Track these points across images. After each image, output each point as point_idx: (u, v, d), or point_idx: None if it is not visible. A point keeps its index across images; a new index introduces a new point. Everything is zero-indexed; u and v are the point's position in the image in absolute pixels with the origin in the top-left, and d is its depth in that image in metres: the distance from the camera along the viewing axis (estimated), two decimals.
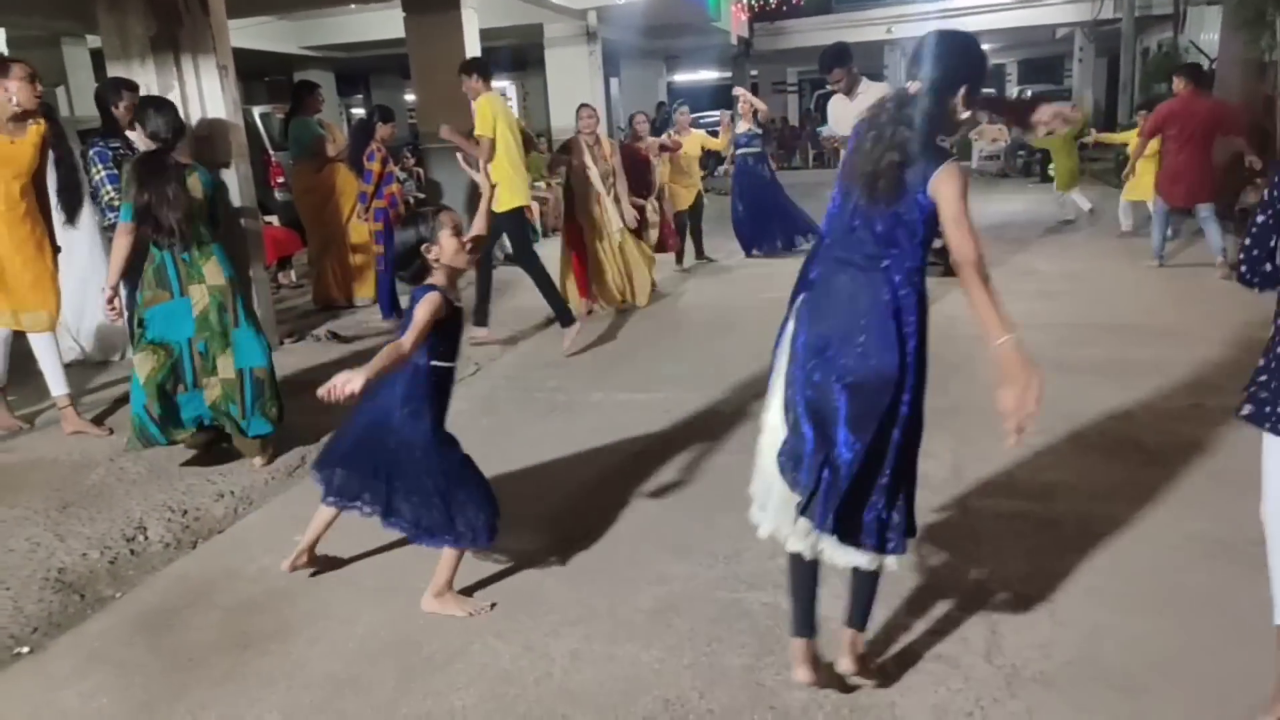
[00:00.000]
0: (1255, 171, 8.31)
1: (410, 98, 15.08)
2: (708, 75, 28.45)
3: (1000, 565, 3.17)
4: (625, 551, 3.41)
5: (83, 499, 4.01)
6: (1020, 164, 17.23)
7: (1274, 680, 2.34)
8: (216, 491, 4.06)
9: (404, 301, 7.39)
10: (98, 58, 6.48)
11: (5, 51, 12.57)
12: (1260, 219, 2.34)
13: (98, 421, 4.97)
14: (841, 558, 2.39)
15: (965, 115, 2.34)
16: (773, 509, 2.47)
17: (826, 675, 2.57)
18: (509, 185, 6.32)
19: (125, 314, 4.83)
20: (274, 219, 9.71)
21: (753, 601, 3.03)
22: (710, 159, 21.98)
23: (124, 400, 5.38)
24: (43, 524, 3.77)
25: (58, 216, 4.78)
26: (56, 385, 4.78)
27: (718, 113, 26.97)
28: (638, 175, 8.02)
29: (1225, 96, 10.88)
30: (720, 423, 4.74)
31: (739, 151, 9.81)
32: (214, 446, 4.40)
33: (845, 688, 2.58)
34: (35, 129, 4.54)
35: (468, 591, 3.16)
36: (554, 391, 5.44)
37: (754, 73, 23.88)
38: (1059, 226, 10.82)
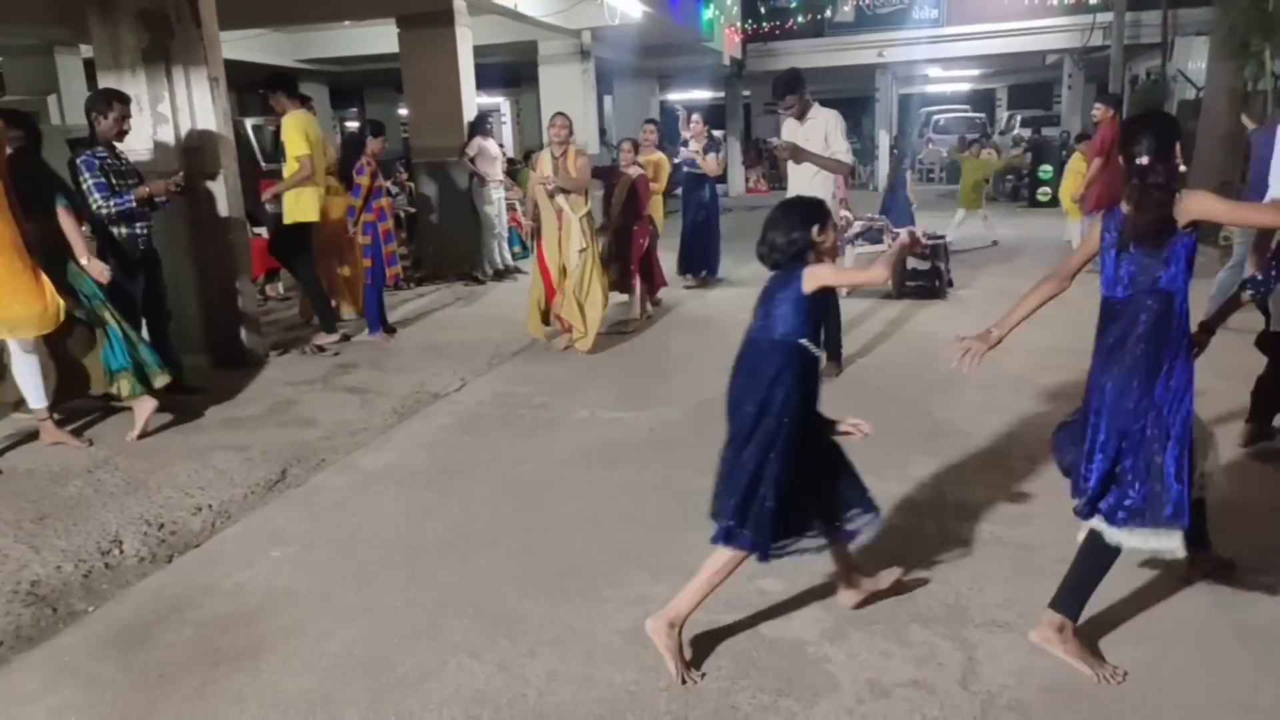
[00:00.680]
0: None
1: (404, 112, 15.09)
2: (701, 95, 28.58)
3: (978, 590, 3.16)
4: (605, 571, 3.40)
5: (59, 511, 3.98)
6: (1009, 188, 17.36)
7: None
8: (194, 505, 4.03)
9: (391, 316, 7.41)
10: (91, 67, 6.48)
11: None
12: None
13: (77, 433, 4.93)
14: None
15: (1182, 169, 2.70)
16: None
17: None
18: (305, 200, 6.55)
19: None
20: (263, 231, 9.69)
21: (731, 624, 3.01)
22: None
23: (104, 412, 5.37)
24: (16, 536, 3.73)
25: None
26: (35, 398, 4.74)
27: (713, 133, 27.21)
28: (632, 201, 7.53)
29: (1212, 125, 11.02)
30: (704, 443, 4.72)
31: (685, 169, 9.39)
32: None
33: None
34: None
35: (449, 606, 3.14)
36: (539, 408, 5.43)
37: (746, 93, 24.03)
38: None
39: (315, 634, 3.04)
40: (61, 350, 4.84)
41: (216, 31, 6.23)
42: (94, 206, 5.09)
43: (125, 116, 5.29)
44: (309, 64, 16.78)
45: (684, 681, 2.69)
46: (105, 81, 6.07)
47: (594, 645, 2.92)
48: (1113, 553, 2.70)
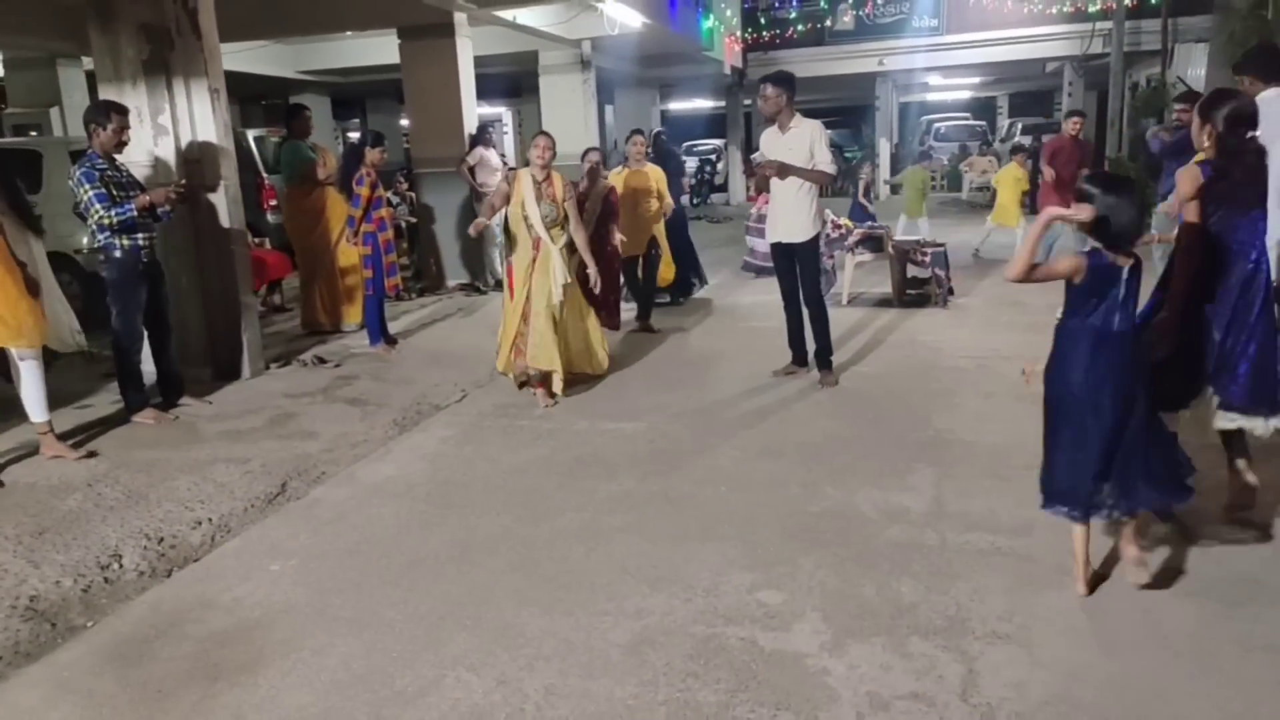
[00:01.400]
0: None
1: (405, 122, 15.12)
2: (702, 104, 28.65)
3: (979, 601, 3.15)
4: (603, 584, 3.39)
5: (59, 525, 3.97)
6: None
7: None
8: (194, 519, 4.03)
9: (392, 327, 7.41)
10: (93, 79, 6.50)
11: (1, 72, 12.64)
12: None
13: (79, 446, 4.94)
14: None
15: None
16: None
17: None
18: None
19: None
20: (265, 241, 9.72)
21: (730, 636, 3.00)
22: (705, 186, 22.22)
23: (107, 424, 5.37)
24: (16, 550, 3.72)
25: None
26: (37, 411, 4.74)
27: (713, 142, 27.27)
28: (605, 221, 7.01)
29: None
30: (704, 454, 4.73)
31: None
32: None
33: None
34: None
35: (447, 620, 3.13)
36: (540, 420, 5.43)
37: (747, 102, 23.99)
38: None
39: (313, 648, 3.03)
40: None
41: (217, 43, 6.25)
42: (95, 218, 5.09)
43: (124, 128, 5.29)
44: (311, 75, 16.83)
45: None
46: (106, 93, 6.09)
47: (592, 658, 2.92)
48: None
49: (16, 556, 3.67)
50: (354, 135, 24.26)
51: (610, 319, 7.33)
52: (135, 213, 5.16)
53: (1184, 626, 2.95)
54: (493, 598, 3.31)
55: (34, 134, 12.25)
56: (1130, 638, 2.90)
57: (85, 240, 5.35)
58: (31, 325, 4.61)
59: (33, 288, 4.74)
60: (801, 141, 5.63)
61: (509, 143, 25.27)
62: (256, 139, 11.24)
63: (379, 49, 12.95)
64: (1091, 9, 18.54)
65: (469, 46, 10.80)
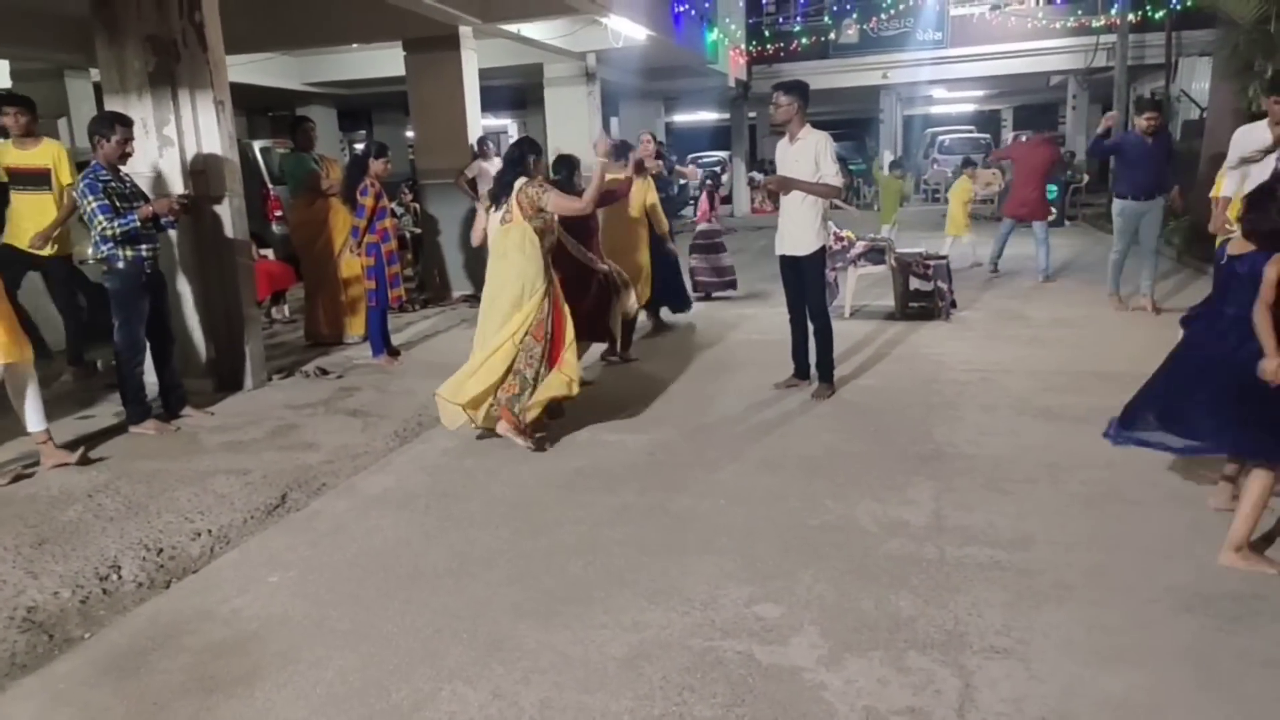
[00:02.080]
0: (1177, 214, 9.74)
1: (411, 134, 15.21)
2: (706, 116, 28.76)
3: (977, 615, 3.14)
4: (601, 596, 3.38)
5: (58, 535, 3.98)
6: None
7: None
8: (193, 530, 4.03)
9: (395, 339, 7.42)
10: (100, 90, 6.54)
11: (9, 83, 12.73)
12: None
13: (84, 454, 4.95)
14: None
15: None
16: None
17: None
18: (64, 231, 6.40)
19: None
20: (270, 253, 9.76)
21: (727, 650, 2.99)
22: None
23: (108, 434, 5.39)
24: (15, 561, 3.73)
25: None
26: (34, 421, 4.75)
27: (718, 154, 27.35)
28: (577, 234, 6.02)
29: (1215, 144, 11.01)
30: (703, 466, 4.73)
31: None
32: None
33: None
34: None
35: (444, 632, 3.13)
36: (540, 432, 5.42)
37: (752, 114, 24.13)
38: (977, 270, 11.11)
39: (310, 661, 3.03)
40: None
41: (223, 56, 6.28)
42: (98, 228, 5.11)
43: (128, 139, 5.31)
44: (317, 87, 16.94)
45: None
46: (112, 105, 6.13)
47: (589, 672, 2.91)
48: None
49: (15, 567, 3.68)
50: (360, 146, 24.38)
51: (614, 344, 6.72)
52: (138, 223, 5.18)
53: (1183, 641, 2.94)
54: (490, 610, 3.31)
55: None
56: (1129, 654, 2.88)
57: (90, 251, 5.35)
58: (8, 340, 4.57)
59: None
60: (806, 153, 5.60)
61: None
62: (263, 150, 11.30)
63: (385, 61, 13.02)
64: (1095, 24, 18.60)
65: (474, 59, 10.86)
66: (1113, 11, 17.43)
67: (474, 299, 9.95)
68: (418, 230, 11.10)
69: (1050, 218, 10.34)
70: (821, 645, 3.01)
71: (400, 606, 3.36)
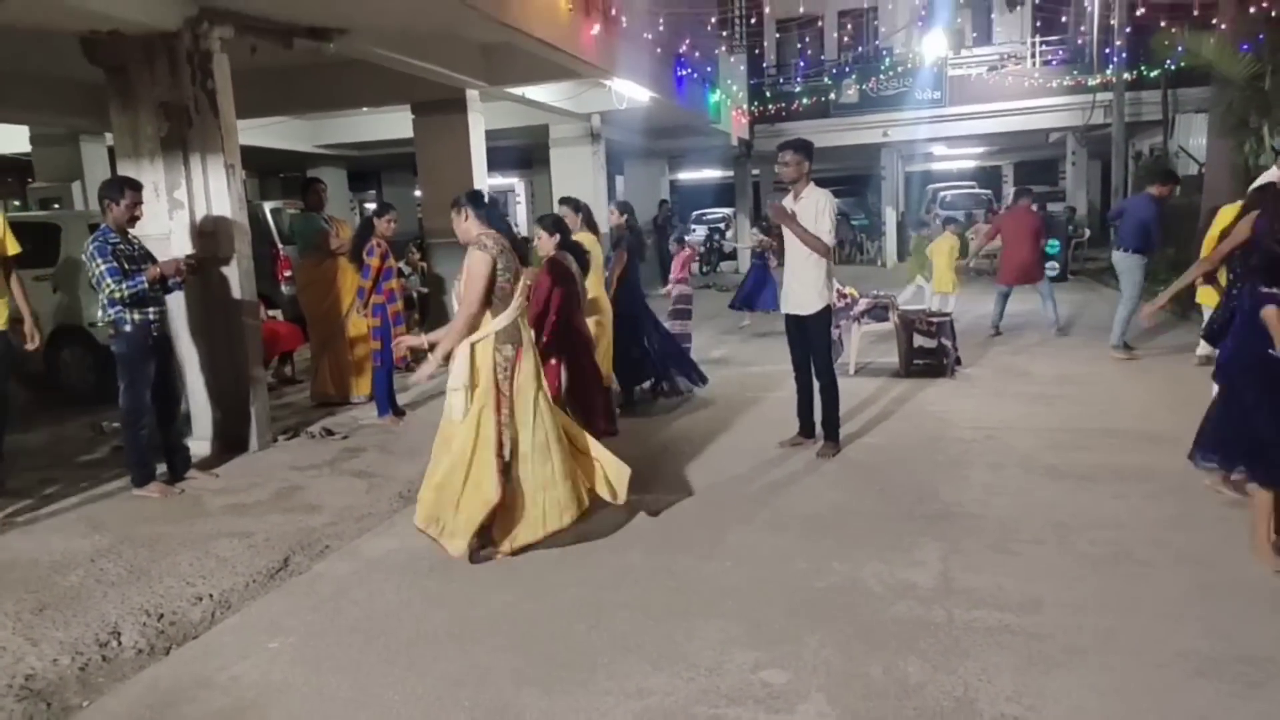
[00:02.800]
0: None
1: (419, 193, 15.43)
2: (710, 174, 29.13)
3: (987, 681, 3.09)
4: (604, 662, 3.34)
5: (59, 601, 3.96)
6: None
7: None
8: (195, 595, 4.00)
9: (401, 399, 7.43)
10: (114, 154, 6.66)
11: (28, 148, 13.01)
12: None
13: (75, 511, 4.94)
14: None
15: None
16: None
17: None
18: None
19: None
20: (278, 313, 9.83)
21: (732, 718, 2.94)
22: (714, 255, 22.46)
23: (112, 496, 5.37)
24: (14, 627, 3.70)
25: None
26: None
27: (722, 210, 27.66)
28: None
29: (1213, 199, 11.11)
30: (709, 528, 4.70)
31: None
32: None
33: None
34: None
35: (446, 700, 3.08)
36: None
37: (755, 172, 24.42)
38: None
39: None
40: None
41: (234, 121, 6.42)
42: (107, 291, 5.16)
43: (137, 203, 5.39)
44: (327, 149, 17.24)
45: None
46: (125, 169, 6.25)
47: None
48: None
49: (15, 634, 3.65)
50: (370, 206, 24.74)
51: (606, 425, 6.18)
52: (146, 285, 5.23)
53: (1197, 708, 2.88)
54: (492, 677, 3.27)
55: (56, 207, 12.52)
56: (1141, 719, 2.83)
57: (99, 314, 5.40)
58: None
59: None
60: (808, 210, 5.65)
61: (521, 213, 25.68)
62: (273, 211, 11.47)
63: (393, 124, 13.28)
64: (1091, 82, 18.90)
65: (481, 121, 11.08)
66: (1109, 71, 17.72)
67: None
68: (425, 290, 11.20)
69: (1052, 274, 10.63)
70: (829, 713, 2.96)
71: (401, 673, 3.32)
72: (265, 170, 20.92)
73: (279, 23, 6.77)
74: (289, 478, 5.76)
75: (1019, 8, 23.28)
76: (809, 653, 3.34)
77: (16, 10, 5.19)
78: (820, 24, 26.07)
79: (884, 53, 22.41)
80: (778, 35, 26.27)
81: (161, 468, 5.60)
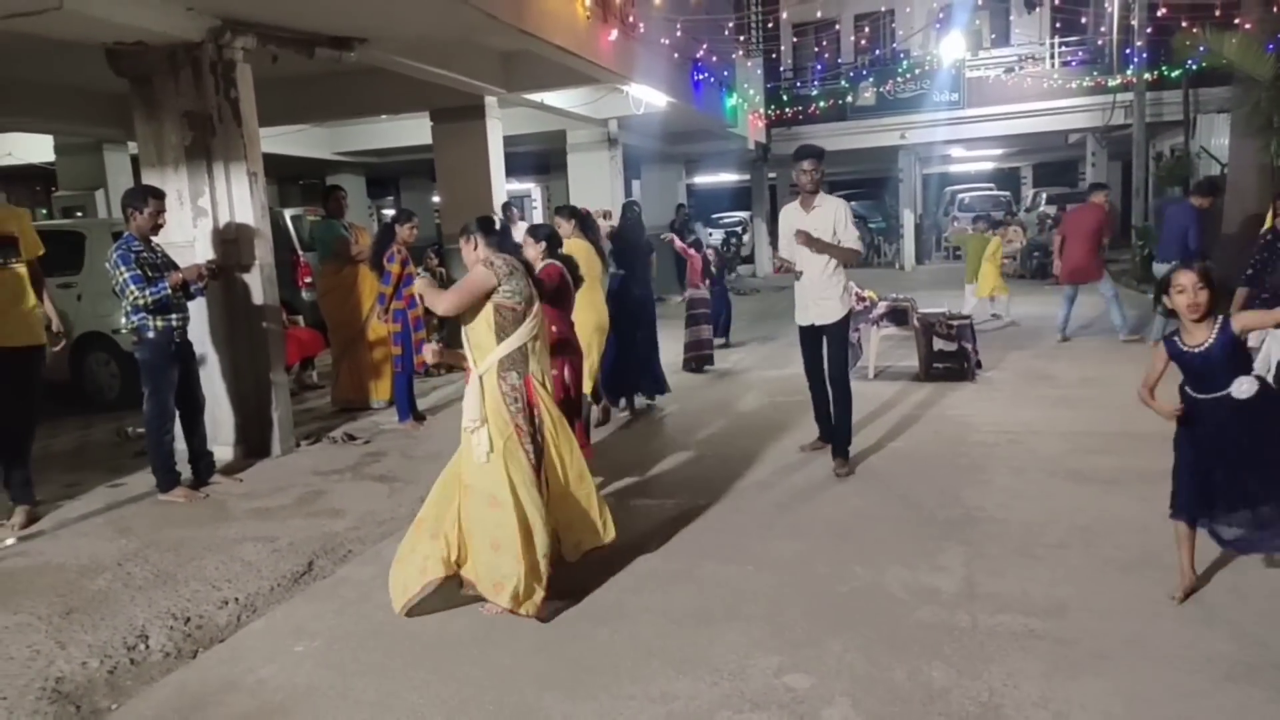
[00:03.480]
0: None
1: (437, 199, 15.52)
2: (728, 177, 29.10)
3: (1013, 687, 3.07)
4: (628, 666, 3.34)
5: (87, 605, 4.00)
6: (1035, 265, 17.33)
7: None
8: (221, 598, 4.04)
9: (421, 403, 7.47)
10: (137, 163, 6.74)
11: (52, 157, 13.18)
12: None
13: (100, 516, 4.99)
14: None
15: None
16: None
17: None
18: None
19: None
20: (300, 319, 9.90)
21: None
22: (732, 258, 22.43)
23: (138, 502, 5.43)
24: (45, 630, 3.75)
25: None
26: None
27: (739, 214, 27.63)
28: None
29: (1239, 201, 11.00)
30: (728, 532, 4.69)
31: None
32: None
33: None
34: None
35: (470, 703, 3.10)
36: None
37: (772, 175, 24.38)
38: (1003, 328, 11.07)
39: None
40: None
41: (256, 129, 6.48)
42: (130, 299, 5.21)
43: (160, 211, 5.43)
44: (347, 156, 17.36)
45: None
46: (149, 177, 6.32)
47: None
48: None
49: (46, 637, 3.70)
50: (388, 212, 24.88)
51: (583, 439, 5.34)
52: (169, 291, 5.28)
53: (1228, 714, 2.85)
54: (515, 680, 3.27)
55: (79, 215, 12.67)
56: None
57: (123, 321, 5.45)
58: None
59: None
60: (825, 220, 5.51)
61: (539, 218, 25.75)
62: (294, 218, 11.55)
63: (412, 130, 13.36)
64: (1111, 83, 18.76)
65: (499, 127, 11.13)
66: (1129, 71, 17.59)
67: None
68: None
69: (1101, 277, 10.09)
70: (854, 718, 2.95)
71: (425, 676, 3.34)
72: (285, 177, 21.07)
73: (301, 32, 6.82)
74: (311, 482, 5.80)
75: (1038, 9, 23.14)
76: (832, 657, 3.33)
77: (42, 22, 5.25)
78: (837, 27, 26.01)
79: (901, 55, 22.34)
80: (795, 39, 26.25)
81: (186, 472, 5.65)
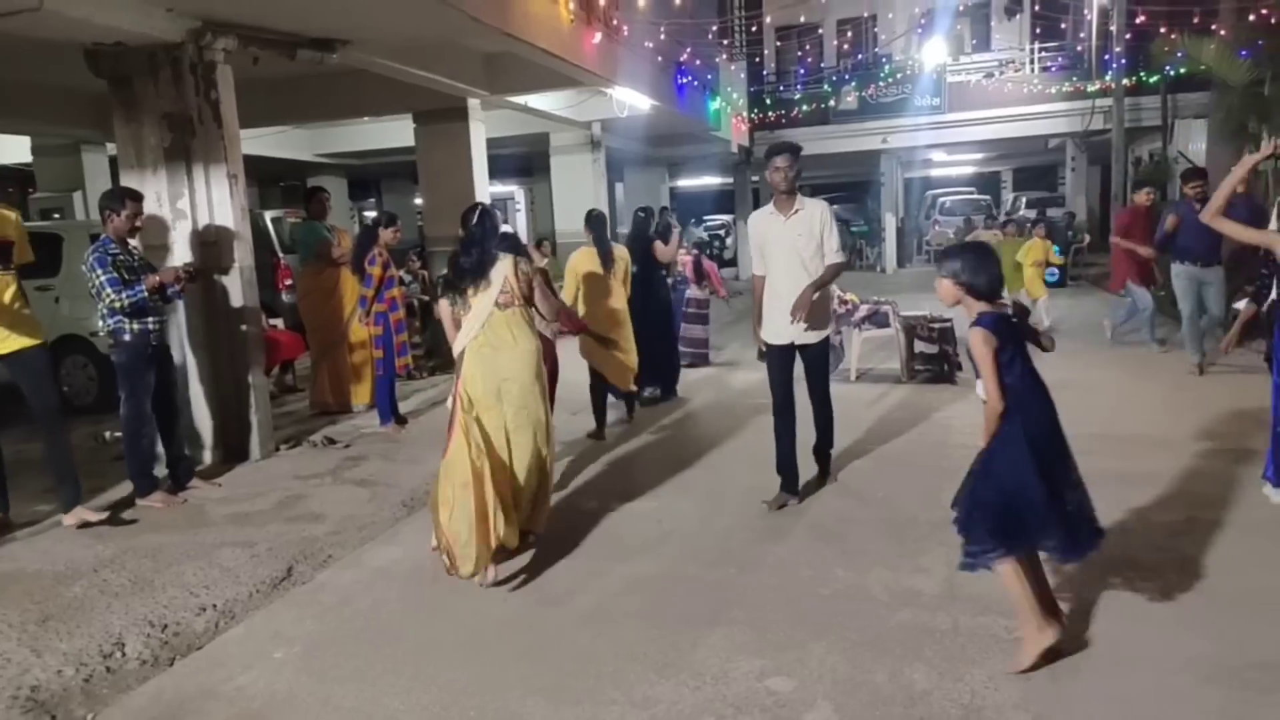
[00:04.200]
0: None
1: (419, 201, 15.48)
2: (710, 180, 29.16)
3: (994, 689, 3.08)
4: (610, 671, 3.33)
5: (63, 612, 3.95)
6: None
7: None
8: (199, 605, 3.99)
9: (403, 406, 7.43)
10: (116, 164, 6.67)
11: (29, 158, 13.04)
12: None
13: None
14: None
15: None
16: None
17: None
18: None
19: None
20: (279, 322, 9.83)
21: None
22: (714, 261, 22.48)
23: (116, 507, 5.37)
24: (19, 638, 3.70)
25: None
26: None
27: (722, 217, 27.66)
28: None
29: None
30: (713, 535, 4.69)
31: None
32: None
33: None
34: None
35: (452, 709, 3.08)
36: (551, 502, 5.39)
37: (755, 179, 24.45)
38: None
39: None
40: None
41: (237, 131, 6.43)
42: (107, 301, 5.15)
43: (137, 214, 5.37)
44: (328, 158, 17.28)
45: None
46: (128, 179, 6.25)
47: None
48: None
49: (20, 645, 3.64)
50: (370, 215, 24.77)
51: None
52: (146, 294, 5.22)
53: (1209, 715, 2.87)
54: (498, 686, 3.26)
55: (57, 217, 12.54)
56: None
57: (100, 324, 5.39)
58: None
59: None
60: (809, 227, 4.87)
61: (521, 220, 25.73)
62: (274, 220, 11.48)
63: (395, 132, 13.31)
64: (1090, 89, 18.94)
65: (482, 129, 11.10)
66: (1108, 76, 17.76)
67: None
68: (426, 297, 11.18)
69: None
70: None
71: (407, 683, 3.31)
72: (265, 179, 20.95)
73: (283, 34, 6.78)
74: (291, 487, 5.76)
75: (1018, 15, 23.35)
76: (815, 660, 3.33)
77: (21, 23, 5.19)
78: (820, 32, 26.16)
79: (883, 60, 22.50)
80: (778, 43, 26.38)
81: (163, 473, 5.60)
